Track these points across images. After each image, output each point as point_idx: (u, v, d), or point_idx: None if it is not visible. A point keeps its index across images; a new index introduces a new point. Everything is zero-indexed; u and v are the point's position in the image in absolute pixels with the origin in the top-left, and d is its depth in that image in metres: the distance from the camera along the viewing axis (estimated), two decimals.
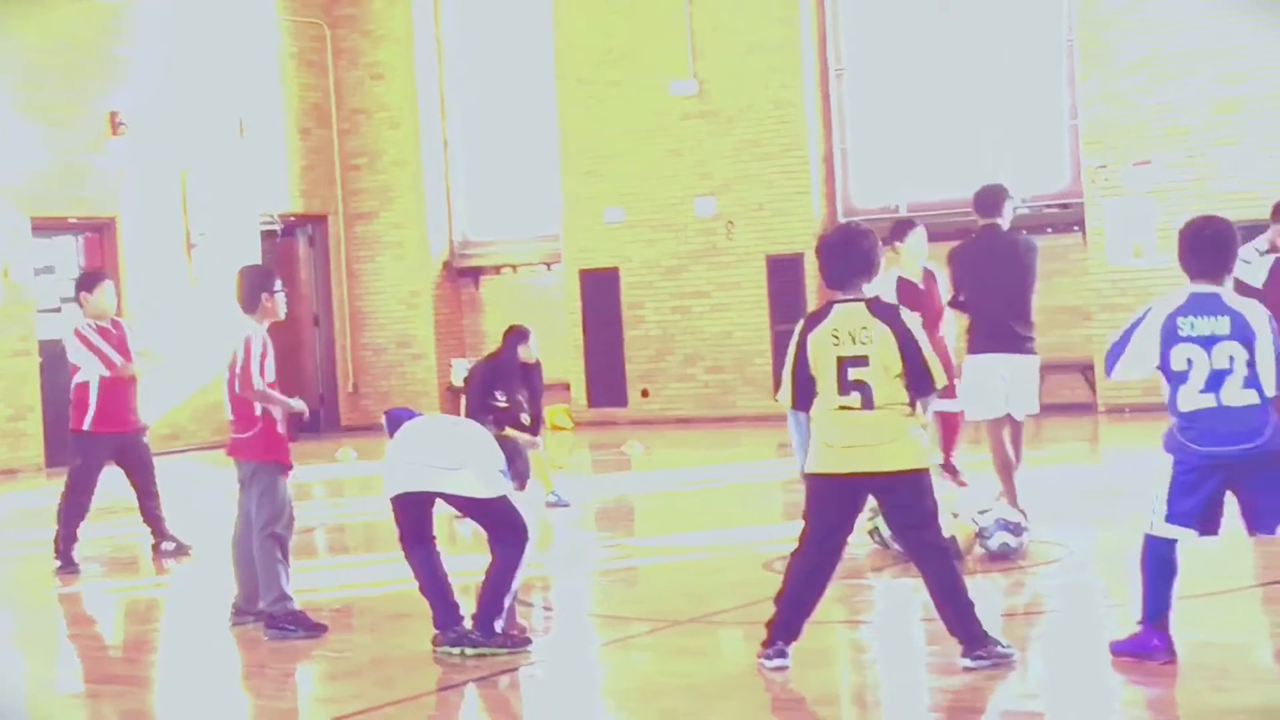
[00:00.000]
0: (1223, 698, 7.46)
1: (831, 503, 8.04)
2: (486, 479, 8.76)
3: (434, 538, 9.08)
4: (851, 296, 7.99)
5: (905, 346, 7.77)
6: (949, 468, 14.02)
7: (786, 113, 22.42)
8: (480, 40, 25.51)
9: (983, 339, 12.36)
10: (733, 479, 16.85)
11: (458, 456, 8.75)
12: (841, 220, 21.84)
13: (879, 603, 10.15)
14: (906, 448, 7.86)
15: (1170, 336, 7.81)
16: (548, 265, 24.67)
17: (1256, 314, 7.77)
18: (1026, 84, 21.58)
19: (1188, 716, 7.24)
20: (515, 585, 8.90)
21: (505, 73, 25.10)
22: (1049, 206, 21.24)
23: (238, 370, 9.64)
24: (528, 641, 9.01)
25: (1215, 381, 7.74)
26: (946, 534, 9.44)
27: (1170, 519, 7.81)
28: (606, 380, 23.65)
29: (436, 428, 8.90)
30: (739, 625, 8.84)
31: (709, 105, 22.85)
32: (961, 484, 13.88)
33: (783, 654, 8.00)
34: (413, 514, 8.96)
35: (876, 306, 7.93)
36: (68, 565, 12.57)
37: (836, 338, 7.87)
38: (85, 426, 12.79)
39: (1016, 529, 10.79)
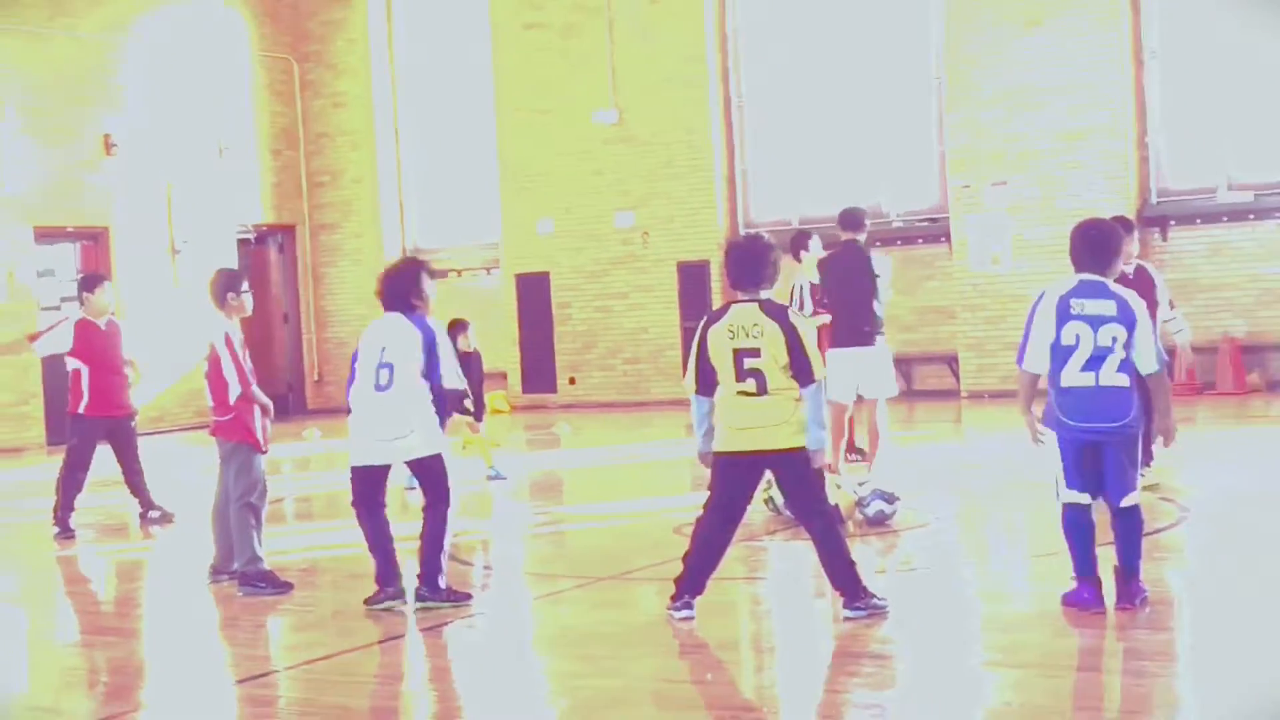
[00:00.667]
0: (1066, 642, 7.57)
1: (732, 476, 8.09)
2: (428, 438, 8.80)
3: (384, 504, 9.10)
4: (748, 297, 8.02)
5: (790, 342, 7.78)
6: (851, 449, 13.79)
7: (695, 138, 22.49)
8: (429, 73, 25.40)
9: (838, 335, 12.63)
10: (647, 455, 16.87)
11: (408, 423, 8.78)
12: (742, 232, 21.98)
13: (773, 562, 10.17)
14: (796, 429, 7.87)
15: (1064, 314, 7.78)
16: (488, 270, 24.64)
17: (1137, 301, 7.80)
18: (902, 115, 21.67)
19: (1033, 659, 7.25)
20: (448, 544, 8.92)
21: (451, 102, 25.04)
22: (920, 221, 21.42)
23: (231, 375, 9.65)
24: (468, 596, 9.07)
25: (1096, 361, 7.72)
26: (831, 502, 9.59)
27: (1070, 486, 7.85)
28: (539, 369, 23.68)
29: (387, 400, 8.88)
30: (652, 581, 8.86)
31: (627, 131, 22.89)
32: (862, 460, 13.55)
33: (689, 606, 8.07)
34: (368, 483, 8.99)
35: (768, 306, 7.94)
36: (65, 531, 12.56)
37: (732, 332, 7.89)
38: (80, 410, 12.74)
39: (890, 498, 10.86)
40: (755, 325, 7.86)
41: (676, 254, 22.51)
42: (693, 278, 22.13)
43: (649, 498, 13.13)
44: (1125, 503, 7.79)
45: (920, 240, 21.08)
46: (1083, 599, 7.86)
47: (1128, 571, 7.88)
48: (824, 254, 13.61)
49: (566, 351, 23.60)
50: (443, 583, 8.88)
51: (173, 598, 10.77)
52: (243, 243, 24.21)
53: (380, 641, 8.48)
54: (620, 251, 23.09)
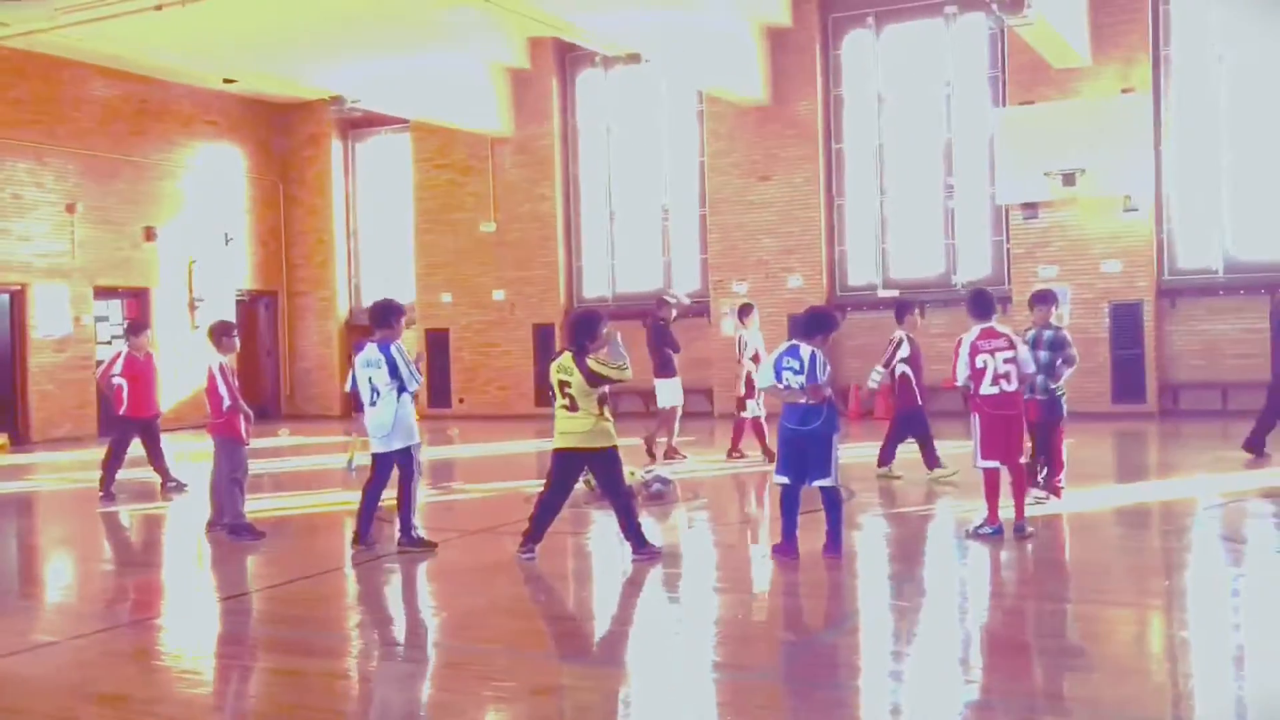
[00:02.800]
0: (769, 572, 7.76)
1: (562, 465, 8.13)
2: (401, 438, 8.82)
3: (386, 484, 8.95)
4: (570, 348, 8.04)
5: (583, 375, 7.83)
6: (736, 451, 13.84)
7: (546, 242, 22.55)
8: (372, 193, 25.25)
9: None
10: (510, 451, 16.79)
11: (389, 430, 8.78)
12: (577, 304, 22.15)
13: (591, 523, 10.10)
14: (599, 435, 7.93)
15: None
16: (408, 326, 24.32)
17: (808, 355, 7.76)
18: (683, 224, 22.09)
19: (743, 581, 7.39)
20: (414, 505, 8.92)
21: (387, 212, 24.84)
22: (697, 300, 21.76)
23: (223, 392, 9.49)
24: (434, 545, 8.86)
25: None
26: (627, 483, 9.69)
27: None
28: (439, 392, 23.55)
29: (379, 414, 8.84)
30: (510, 534, 8.79)
31: (503, 237, 22.90)
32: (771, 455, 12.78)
33: (532, 551, 8.12)
34: (383, 465, 8.92)
35: (577, 356, 7.93)
36: (108, 496, 12.29)
37: (559, 369, 7.97)
38: (121, 412, 12.54)
39: (666, 482, 10.89)
40: (568, 366, 7.93)
41: (533, 318, 22.53)
42: (544, 335, 22.16)
43: (510, 480, 13.07)
44: (823, 485, 7.88)
45: (692, 315, 21.41)
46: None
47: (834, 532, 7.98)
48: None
49: (459, 380, 23.49)
50: (415, 534, 8.80)
51: (182, 541, 10.57)
52: (240, 302, 23.78)
53: (323, 573, 8.39)
54: (496, 316, 23.05)
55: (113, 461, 12.57)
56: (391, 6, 18.17)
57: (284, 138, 25.12)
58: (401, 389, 8.80)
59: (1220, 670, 5.51)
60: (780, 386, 7.88)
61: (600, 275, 22.66)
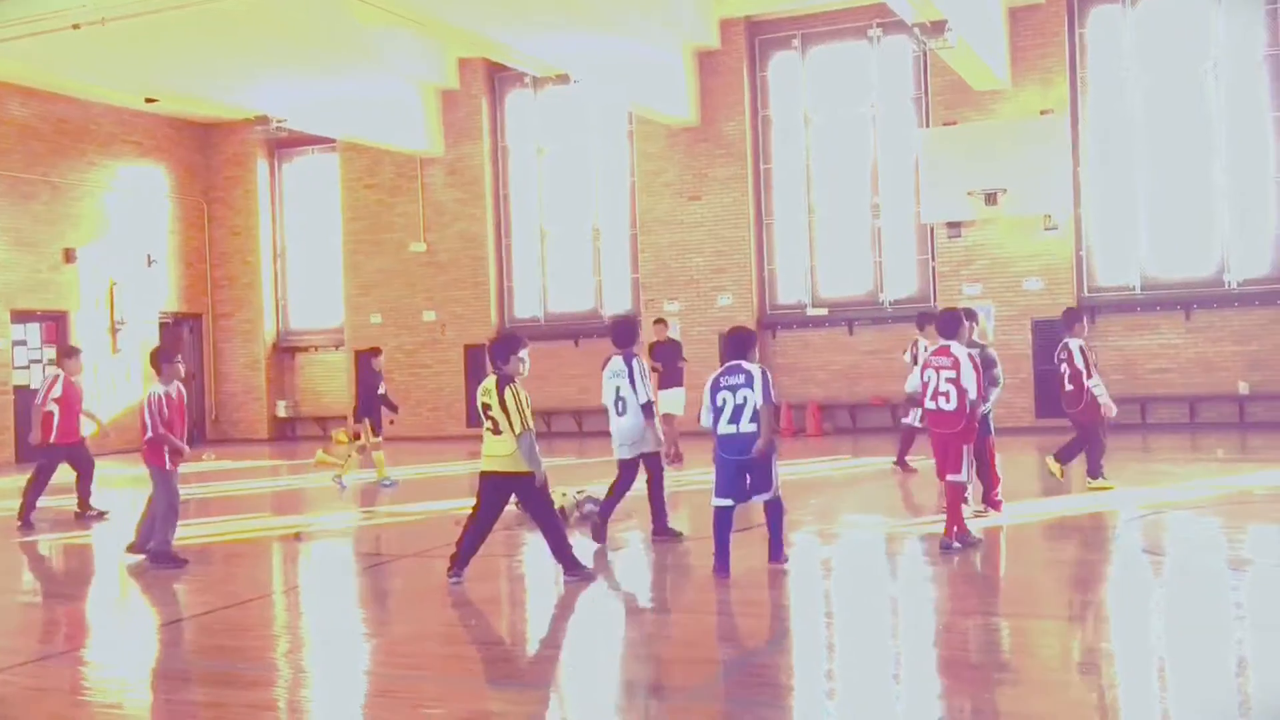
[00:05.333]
0: (703, 593, 7.77)
1: (488, 489, 8.02)
2: (649, 444, 9.37)
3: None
4: (496, 371, 7.97)
5: (502, 404, 7.72)
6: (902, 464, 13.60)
7: (476, 263, 22.48)
8: (300, 213, 24.97)
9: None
10: (440, 472, 16.70)
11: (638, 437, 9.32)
12: (507, 326, 22.06)
13: (522, 545, 10.04)
14: (521, 460, 7.79)
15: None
16: (336, 347, 24.18)
17: (758, 373, 7.85)
18: (614, 244, 22.13)
19: (682, 602, 7.37)
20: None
21: (315, 233, 24.58)
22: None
23: (148, 421, 9.27)
24: (680, 534, 9.42)
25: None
26: (556, 505, 9.61)
27: (719, 495, 8.01)
28: (370, 414, 23.26)
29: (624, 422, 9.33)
30: (440, 558, 8.70)
31: (433, 258, 22.78)
32: (912, 470, 13.25)
33: (460, 575, 8.03)
34: (628, 469, 9.39)
35: (500, 379, 7.87)
36: (26, 526, 12.03)
37: (484, 392, 7.90)
38: (51, 440, 12.27)
39: (598, 502, 10.52)
40: (491, 390, 7.85)
41: (463, 340, 22.41)
42: (474, 356, 22.00)
43: (439, 501, 12.89)
44: (766, 499, 7.99)
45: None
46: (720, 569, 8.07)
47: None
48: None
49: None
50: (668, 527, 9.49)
51: (105, 571, 10.28)
52: (163, 325, 23.36)
53: (249, 600, 8.24)
54: (426, 337, 22.89)
55: (35, 489, 12.27)
56: (318, 26, 18.03)
57: (208, 157, 24.77)
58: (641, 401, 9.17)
59: (1144, 682, 5.62)
60: (711, 427, 7.92)
61: (532, 295, 22.61)
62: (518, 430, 7.76)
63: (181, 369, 9.76)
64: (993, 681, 5.68)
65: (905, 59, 19.86)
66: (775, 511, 8.08)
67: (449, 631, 7.23)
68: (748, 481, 7.92)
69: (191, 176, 24.42)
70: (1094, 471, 11.44)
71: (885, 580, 8.32)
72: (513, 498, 8.34)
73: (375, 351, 14.81)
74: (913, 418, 13.28)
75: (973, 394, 8.50)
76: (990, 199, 18.29)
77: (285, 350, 24.78)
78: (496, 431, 7.84)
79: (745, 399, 7.80)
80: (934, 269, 19.65)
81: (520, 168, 22.70)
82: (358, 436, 14.63)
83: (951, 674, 5.82)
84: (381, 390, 14.83)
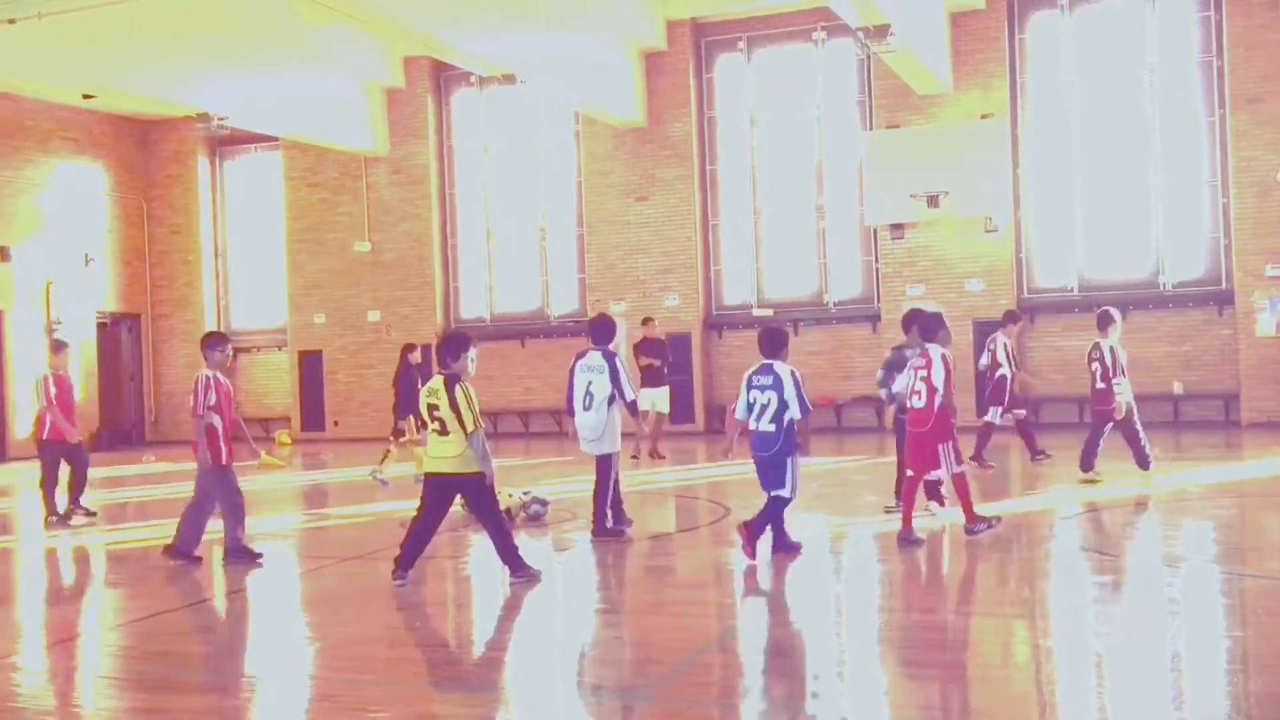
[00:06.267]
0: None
1: (433, 490, 7.96)
2: (609, 443, 9.52)
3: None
4: (443, 371, 7.90)
5: (452, 404, 7.66)
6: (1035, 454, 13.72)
7: (423, 263, 22.39)
8: (242, 212, 24.68)
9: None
10: (386, 474, 16.51)
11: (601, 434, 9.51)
12: (453, 326, 21.94)
13: (468, 546, 9.98)
14: (468, 460, 7.74)
15: (748, 386, 8.43)
16: (279, 347, 23.93)
17: (787, 376, 8.27)
18: (561, 244, 22.08)
19: (624, 602, 7.37)
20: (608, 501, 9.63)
21: (258, 233, 24.33)
22: (569, 321, 21.79)
23: (193, 401, 9.18)
24: (627, 527, 9.61)
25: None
26: (503, 506, 9.56)
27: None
28: (313, 414, 23.11)
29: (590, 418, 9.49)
30: (385, 561, 8.58)
31: (378, 257, 22.64)
32: (989, 466, 13.31)
33: (404, 577, 7.94)
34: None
35: (448, 378, 7.79)
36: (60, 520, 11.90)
37: (429, 392, 7.84)
38: (45, 436, 12.00)
39: (544, 503, 10.78)
40: (439, 390, 7.79)
41: (409, 339, 22.05)
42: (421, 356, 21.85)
43: (383, 503, 12.80)
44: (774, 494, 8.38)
45: (569, 335, 21.41)
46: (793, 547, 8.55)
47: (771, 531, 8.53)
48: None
49: (332, 402, 23.05)
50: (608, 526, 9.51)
51: (41, 574, 10.02)
52: (100, 325, 22.98)
53: (190, 605, 8.11)
54: (371, 338, 22.73)
55: (50, 486, 12.06)
56: (261, 23, 17.82)
57: (148, 155, 24.41)
58: (614, 398, 9.33)
59: (1081, 676, 5.71)
60: (744, 420, 8.42)
61: (478, 295, 22.52)
62: (469, 429, 7.70)
63: (225, 356, 9.45)
64: (936, 678, 5.74)
65: (849, 62, 20.03)
66: (773, 506, 8.41)
67: (393, 634, 7.16)
68: (767, 478, 8.38)
69: (130, 174, 24.06)
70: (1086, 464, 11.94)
71: (830, 579, 8.38)
72: (459, 499, 8.30)
73: (412, 346, 14.81)
74: (992, 415, 13.57)
75: (941, 392, 8.71)
76: (932, 201, 18.51)
77: None
78: (443, 432, 7.77)
79: (770, 400, 8.20)
80: (877, 270, 19.84)
81: (466, 167, 22.60)
82: (401, 434, 14.46)
83: (896, 671, 5.88)
84: (420, 384, 14.56)
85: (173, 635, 7.31)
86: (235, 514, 9.21)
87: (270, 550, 10.69)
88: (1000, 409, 13.36)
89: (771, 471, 8.31)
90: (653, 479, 11.46)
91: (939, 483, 9.91)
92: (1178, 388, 18.11)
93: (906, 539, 8.75)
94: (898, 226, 19.30)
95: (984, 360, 13.34)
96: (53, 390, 12.02)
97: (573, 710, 5.50)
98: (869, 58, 19.03)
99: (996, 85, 18.90)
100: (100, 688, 6.39)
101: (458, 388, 7.77)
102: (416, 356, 14.56)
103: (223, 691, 6.13)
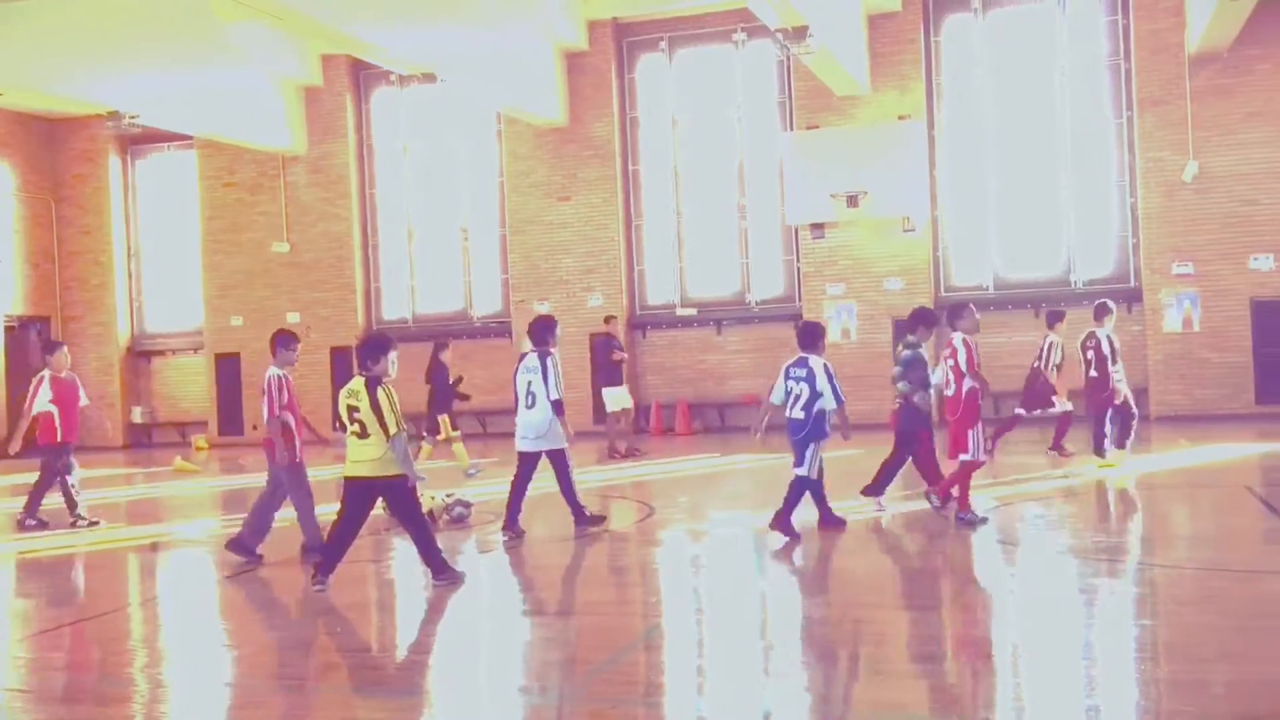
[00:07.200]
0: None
1: (353, 494, 7.83)
2: (551, 440, 9.88)
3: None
4: (362, 373, 7.81)
5: (373, 406, 7.59)
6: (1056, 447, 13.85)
7: (343, 264, 22.12)
8: (155, 211, 24.16)
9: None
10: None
11: (544, 431, 9.89)
12: (374, 328, 21.70)
13: (391, 550, 9.89)
14: (388, 463, 7.66)
15: (785, 375, 9.15)
16: (195, 350, 23.47)
17: (819, 369, 8.99)
18: (484, 244, 21.96)
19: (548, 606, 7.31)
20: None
21: (172, 232, 23.84)
22: (498, 321, 21.70)
23: (264, 404, 9.14)
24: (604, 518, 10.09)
25: (793, 402, 9.07)
26: (426, 508, 9.47)
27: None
28: (231, 419, 22.69)
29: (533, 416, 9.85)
30: (305, 566, 8.50)
31: (297, 258, 22.31)
32: (1067, 455, 13.53)
33: (324, 582, 7.82)
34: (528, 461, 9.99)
35: (369, 380, 7.70)
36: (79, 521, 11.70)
37: (348, 394, 7.74)
38: (59, 440, 11.76)
39: (467, 505, 10.74)
40: (357, 392, 7.70)
41: (330, 341, 22.00)
42: (341, 358, 21.62)
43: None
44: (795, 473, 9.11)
45: (493, 335, 21.32)
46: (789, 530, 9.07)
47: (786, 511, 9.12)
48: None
49: (251, 406, 22.63)
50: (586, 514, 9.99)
51: None
52: (8, 328, 22.36)
53: (107, 613, 7.93)
54: None
55: (59, 487, 11.81)
56: (173, 19, 17.44)
57: (56, 154, 23.79)
58: (549, 398, 9.63)
59: (997, 666, 5.83)
60: (775, 405, 9.19)
61: (400, 296, 22.31)
62: (392, 431, 7.62)
63: (294, 355, 9.25)
64: (856, 672, 5.82)
65: (769, 63, 20.21)
66: (796, 487, 9.07)
67: (314, 640, 7.07)
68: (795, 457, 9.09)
69: (38, 173, 23.44)
70: (1099, 449, 12.51)
71: (753, 576, 8.45)
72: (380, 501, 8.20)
73: (444, 344, 14.64)
74: (1060, 404, 13.78)
75: (967, 379, 9.12)
76: (852, 201, 18.75)
77: (140, 354, 23.95)
78: (363, 435, 7.68)
79: (803, 390, 8.98)
80: (799, 270, 20.04)
81: (387, 167, 22.39)
82: (437, 430, 14.28)
83: (816, 666, 5.95)
84: (453, 380, 14.56)
85: (88, 645, 7.13)
86: (309, 511, 9.20)
87: (188, 557, 10.51)
88: (1060, 397, 13.68)
89: (798, 450, 9.07)
90: (580, 479, 11.48)
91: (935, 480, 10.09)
92: None
93: (967, 520, 9.22)
94: (818, 226, 19.53)
95: (1089, 355, 13.21)
96: (49, 392, 11.72)
97: (497, 712, 5.48)
98: (788, 59, 19.22)
99: (913, 87, 19.21)
100: (14, 700, 6.21)
101: (379, 390, 7.69)
102: (448, 355, 14.60)
103: (138, 702, 5.99)
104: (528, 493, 9.98)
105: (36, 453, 12.15)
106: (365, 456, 7.72)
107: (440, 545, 8.11)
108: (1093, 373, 12.54)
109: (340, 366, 21.35)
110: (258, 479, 15.11)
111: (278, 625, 7.29)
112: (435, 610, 7.61)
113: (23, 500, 12.20)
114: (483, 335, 21.40)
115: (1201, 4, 16.49)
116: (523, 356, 9.98)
